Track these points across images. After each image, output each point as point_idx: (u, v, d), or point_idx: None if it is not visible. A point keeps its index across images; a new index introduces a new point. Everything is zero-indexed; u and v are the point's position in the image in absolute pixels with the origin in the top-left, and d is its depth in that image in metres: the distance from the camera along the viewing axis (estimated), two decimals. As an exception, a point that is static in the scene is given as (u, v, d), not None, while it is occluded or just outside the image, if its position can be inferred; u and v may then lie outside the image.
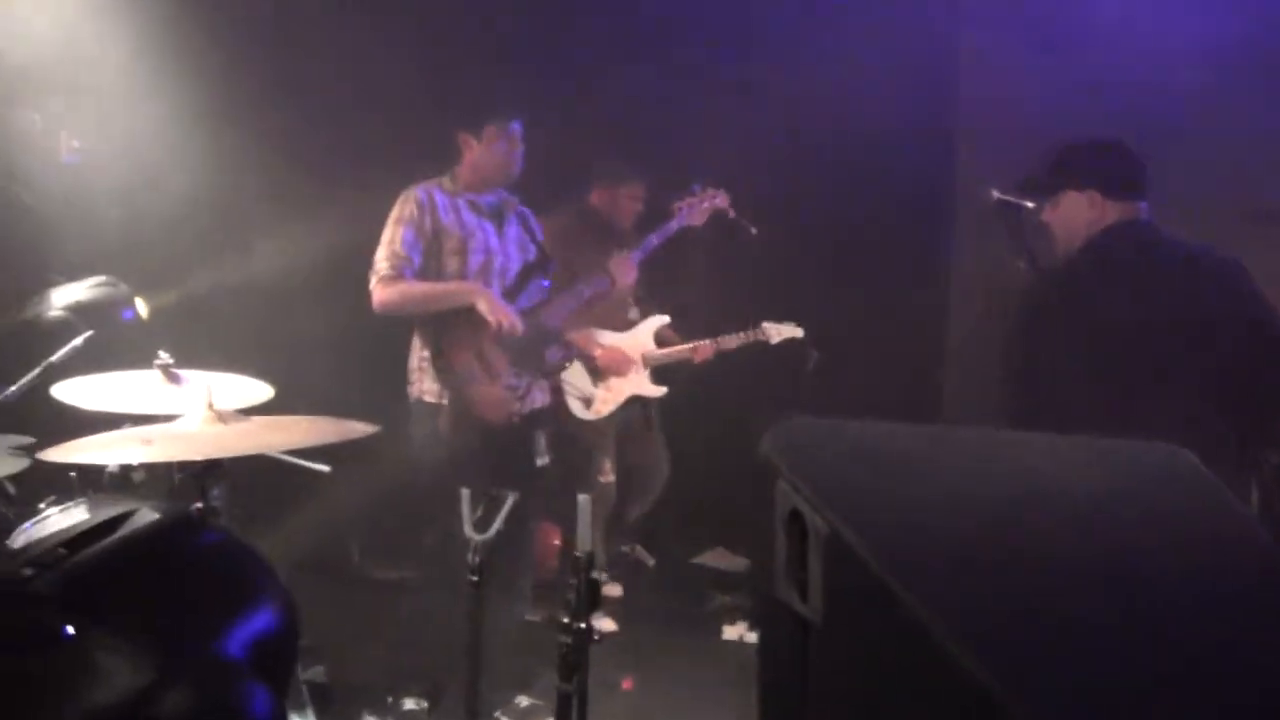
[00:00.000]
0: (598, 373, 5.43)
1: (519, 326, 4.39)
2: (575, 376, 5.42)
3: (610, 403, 5.46)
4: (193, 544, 2.03)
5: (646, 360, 5.56)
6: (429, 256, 4.48)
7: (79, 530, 1.94)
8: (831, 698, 1.60)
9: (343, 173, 5.06)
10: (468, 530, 3.06)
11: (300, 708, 3.46)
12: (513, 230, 4.67)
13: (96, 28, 5.16)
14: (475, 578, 3.09)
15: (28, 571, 1.77)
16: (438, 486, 4.25)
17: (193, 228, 5.36)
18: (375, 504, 4.56)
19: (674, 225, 5.25)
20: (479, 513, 3.08)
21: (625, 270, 4.91)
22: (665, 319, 5.69)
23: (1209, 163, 4.82)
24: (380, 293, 4.42)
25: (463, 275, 4.49)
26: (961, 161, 5.74)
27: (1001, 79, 5.46)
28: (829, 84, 5.26)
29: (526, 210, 4.75)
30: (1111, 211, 3.35)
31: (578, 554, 2.73)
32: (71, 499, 3.96)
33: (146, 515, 2.03)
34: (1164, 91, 4.83)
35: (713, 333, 5.64)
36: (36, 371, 4.23)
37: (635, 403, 5.57)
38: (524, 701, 4.41)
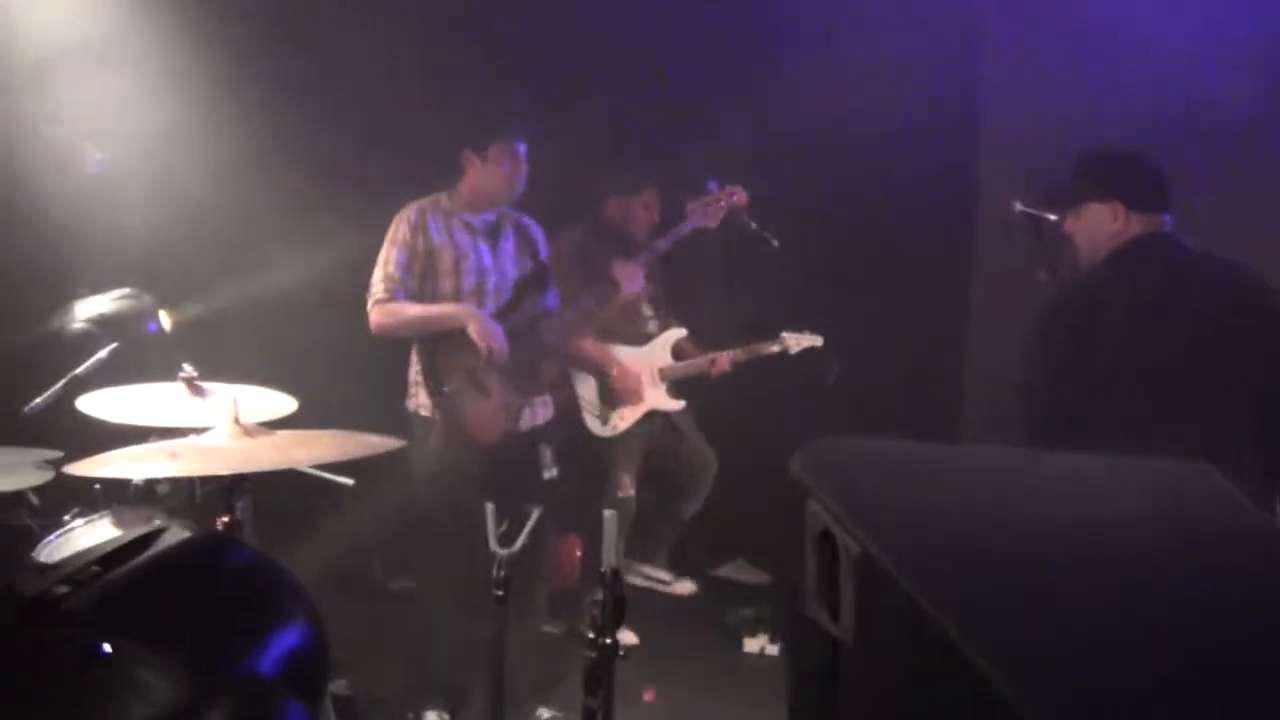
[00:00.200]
0: (613, 390, 5.40)
1: (504, 354, 4.40)
2: (590, 393, 5.41)
3: (628, 418, 5.43)
4: (224, 562, 2.04)
5: (664, 374, 5.53)
6: (423, 278, 4.51)
7: (111, 548, 1.95)
8: (862, 718, 1.59)
9: (361, 185, 5.07)
10: (492, 545, 3.07)
11: (325, 721, 3.47)
12: (508, 245, 4.66)
13: (120, 41, 5.20)
14: (500, 592, 3.09)
15: (61, 589, 1.78)
16: (444, 500, 4.27)
17: (215, 240, 5.38)
18: (393, 517, 4.56)
19: (685, 228, 5.23)
20: (503, 527, 3.09)
21: (630, 276, 4.87)
22: (683, 332, 5.64)
23: (1242, 169, 4.80)
24: (375, 315, 4.47)
25: (457, 296, 4.51)
26: (983, 172, 5.72)
27: (1025, 87, 5.44)
28: (848, 90, 5.25)
29: (529, 221, 4.74)
30: (1135, 223, 3.34)
31: (603, 569, 2.73)
32: (95, 511, 4.02)
33: (177, 533, 2.03)
34: (1191, 99, 4.82)
35: (731, 344, 5.59)
36: (61, 384, 4.26)
37: (655, 416, 5.53)
38: (545, 714, 4.41)
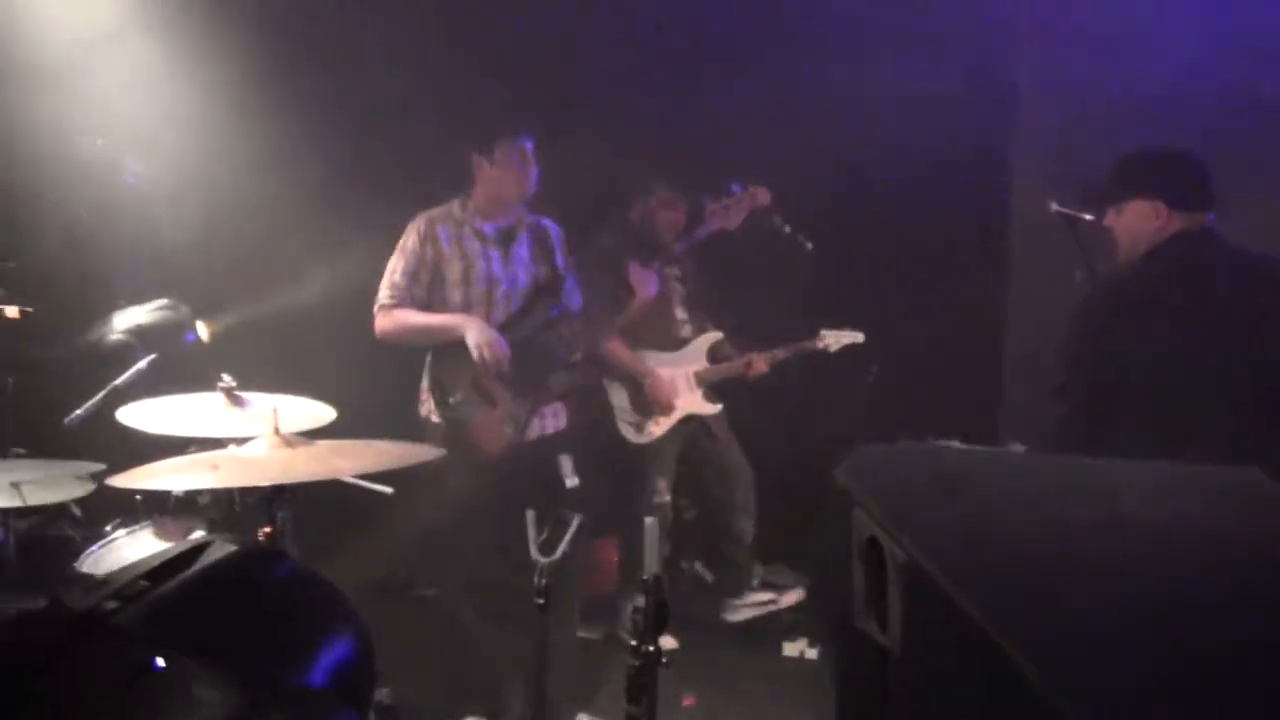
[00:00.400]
0: (646, 398, 5.35)
1: (503, 363, 4.40)
2: (623, 401, 5.39)
3: (663, 424, 5.38)
4: (270, 575, 2.04)
5: (699, 378, 5.48)
6: (431, 287, 4.54)
7: (158, 562, 1.96)
8: (911, 727, 1.59)
9: (392, 196, 5.07)
10: (533, 553, 3.07)
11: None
12: (521, 251, 4.66)
13: (156, 54, 5.24)
14: (541, 600, 3.09)
15: (110, 604, 1.79)
16: (470, 506, 4.28)
17: (251, 250, 5.40)
18: (422, 523, 4.57)
19: (704, 231, 5.21)
20: (544, 535, 3.09)
21: (645, 281, 4.84)
22: (718, 335, 5.59)
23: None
24: (380, 322, 4.53)
25: (466, 305, 4.53)
26: (1017, 170, 5.69)
27: (1060, 85, 5.41)
28: (882, 91, 5.23)
29: (548, 224, 4.75)
30: (1176, 221, 3.34)
31: (645, 577, 2.73)
32: (136, 522, 4.05)
33: (223, 546, 2.04)
34: (1225, 94, 4.78)
35: (767, 345, 5.56)
36: (101, 395, 4.30)
37: (692, 421, 5.48)
38: (585, 719, 4.41)
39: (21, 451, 4.45)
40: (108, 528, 4.09)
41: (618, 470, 5.30)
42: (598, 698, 4.52)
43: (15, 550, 4.24)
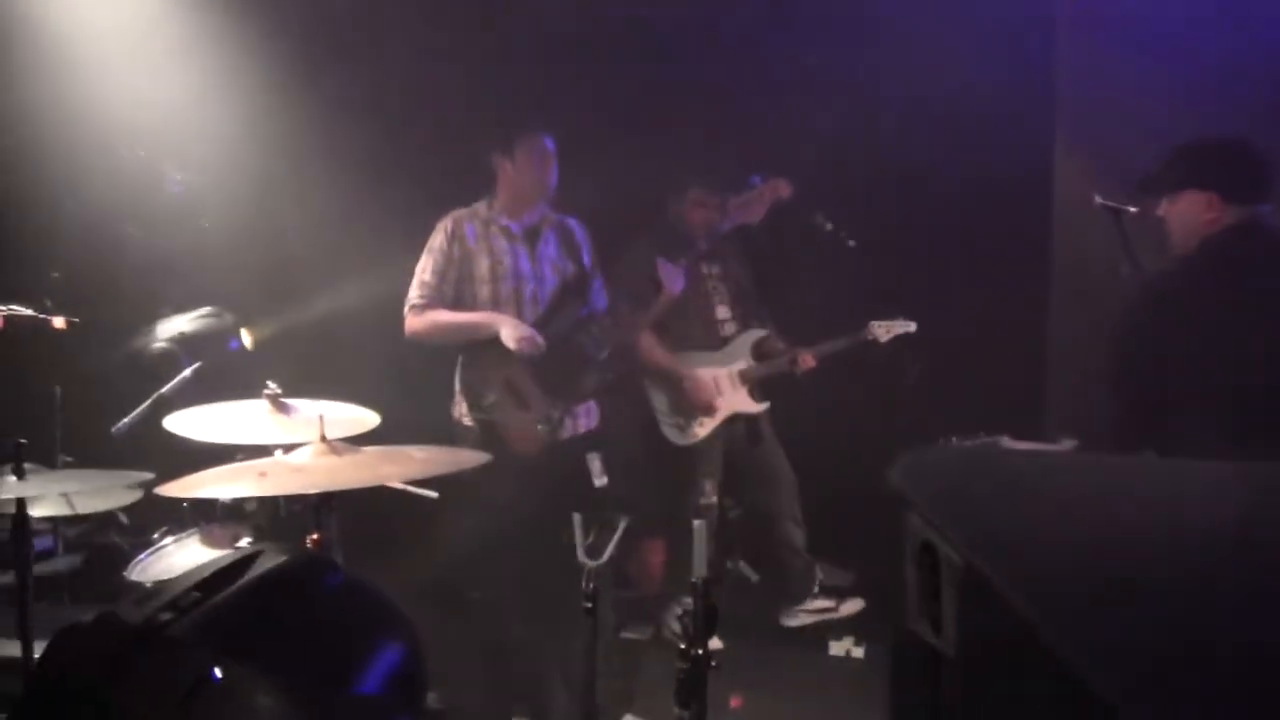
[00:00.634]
0: (686, 400, 5.31)
1: (541, 351, 4.41)
2: (661, 403, 5.36)
3: (707, 425, 5.33)
4: (322, 583, 2.05)
5: (744, 376, 5.42)
6: (460, 286, 4.55)
7: (209, 572, 1.97)
8: (967, 733, 1.57)
9: (429, 200, 5.08)
10: (580, 556, 3.06)
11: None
12: (548, 249, 4.67)
13: (198, 65, 5.27)
14: (589, 604, 3.08)
15: (165, 616, 1.80)
16: (507, 508, 4.27)
17: (292, 254, 5.43)
18: (464, 527, 4.57)
19: (725, 225, 5.17)
20: (590, 538, 3.08)
21: (672, 278, 4.82)
22: (762, 332, 5.52)
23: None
24: (410, 322, 4.54)
25: (494, 303, 4.54)
26: (1060, 163, 5.64)
27: (1102, 77, 5.35)
28: (926, 83, 5.19)
29: (572, 223, 4.76)
30: (1230, 213, 3.29)
31: (693, 580, 2.72)
32: (184, 529, 4.08)
33: (273, 556, 2.05)
34: (1275, 93, 4.72)
35: (813, 341, 5.47)
36: (148, 403, 4.34)
37: (737, 420, 5.43)
38: (631, 721, 4.41)
39: (69, 460, 4.50)
40: (155, 535, 4.11)
41: (664, 472, 5.28)
42: (641, 699, 4.51)
43: (65, 559, 4.29)
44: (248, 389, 3.73)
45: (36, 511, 3.62)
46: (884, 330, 5.41)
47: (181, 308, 5.19)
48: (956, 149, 5.44)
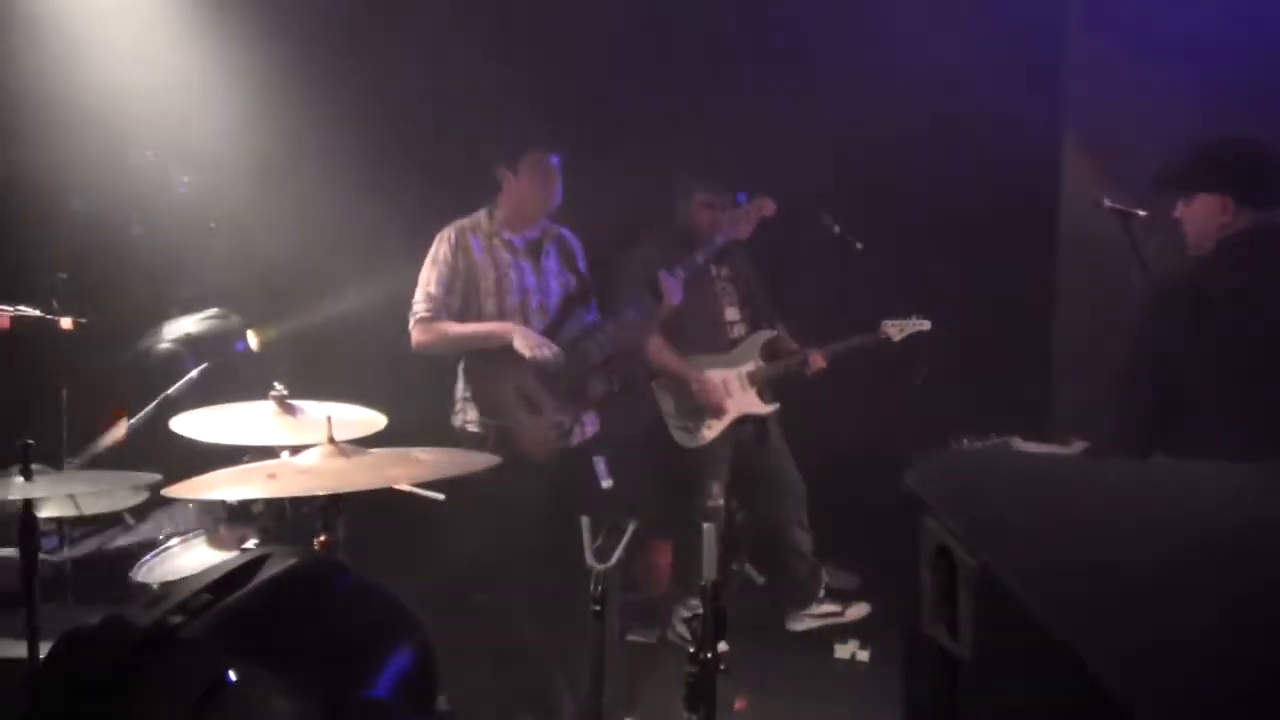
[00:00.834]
0: (695, 403, 5.28)
1: (558, 360, 4.44)
2: (669, 406, 5.34)
3: (716, 428, 5.30)
4: (333, 586, 2.04)
5: (754, 378, 5.39)
6: (465, 297, 4.55)
7: (219, 574, 1.96)
8: (982, 737, 1.56)
9: (429, 209, 5.08)
10: (589, 559, 3.05)
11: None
12: (550, 262, 4.70)
13: (204, 66, 5.28)
14: (598, 607, 3.07)
15: (176, 618, 1.79)
16: (518, 512, 4.27)
17: (299, 256, 5.41)
18: (475, 530, 4.57)
19: (719, 239, 5.17)
20: (599, 541, 3.07)
21: (672, 289, 4.81)
22: (771, 333, 5.49)
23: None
24: (417, 334, 4.53)
25: (500, 315, 4.56)
26: (1067, 167, 5.64)
27: (1110, 82, 5.35)
28: (934, 85, 5.20)
29: (568, 234, 4.78)
30: (1244, 217, 3.29)
31: (703, 583, 2.71)
32: (190, 530, 4.07)
33: (283, 559, 2.04)
34: (1274, 95, 4.71)
35: (824, 341, 5.46)
36: (154, 405, 4.34)
37: (746, 422, 5.40)
38: (636, 724, 4.40)
39: (76, 461, 4.49)
40: (160, 536, 4.11)
41: (670, 474, 5.27)
42: (646, 702, 4.50)
43: (70, 560, 4.28)
44: (254, 390, 3.72)
45: (43, 513, 3.60)
46: (897, 329, 5.42)
47: (188, 309, 5.18)
48: (966, 151, 5.44)
